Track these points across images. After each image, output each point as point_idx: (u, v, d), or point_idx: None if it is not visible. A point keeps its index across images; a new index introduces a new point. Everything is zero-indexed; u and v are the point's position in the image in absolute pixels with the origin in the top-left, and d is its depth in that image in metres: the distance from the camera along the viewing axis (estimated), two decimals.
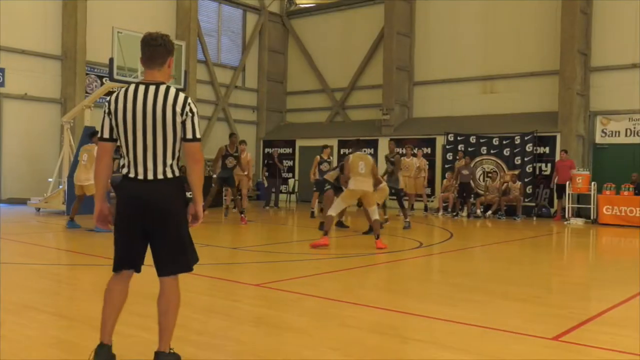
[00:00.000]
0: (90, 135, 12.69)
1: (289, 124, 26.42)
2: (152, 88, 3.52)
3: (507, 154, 19.00)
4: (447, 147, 20.19)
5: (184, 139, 3.52)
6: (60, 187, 15.92)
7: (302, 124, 25.40)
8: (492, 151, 19.42)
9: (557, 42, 18.73)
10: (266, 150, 24.78)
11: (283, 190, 22.18)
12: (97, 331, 4.57)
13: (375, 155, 22.23)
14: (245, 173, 15.73)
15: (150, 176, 3.52)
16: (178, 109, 3.48)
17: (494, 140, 19.43)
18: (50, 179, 16.58)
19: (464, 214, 17.76)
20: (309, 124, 25.12)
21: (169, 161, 3.53)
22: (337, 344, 4.45)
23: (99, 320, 4.94)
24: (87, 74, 19.66)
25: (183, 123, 3.50)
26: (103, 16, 19.31)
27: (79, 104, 16.73)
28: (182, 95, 3.53)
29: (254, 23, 25.73)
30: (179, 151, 3.59)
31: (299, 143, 24.28)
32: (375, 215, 9.82)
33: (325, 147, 16.21)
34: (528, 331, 4.80)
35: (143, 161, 3.50)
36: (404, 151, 18.33)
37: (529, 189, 18.38)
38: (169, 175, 3.55)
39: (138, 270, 3.79)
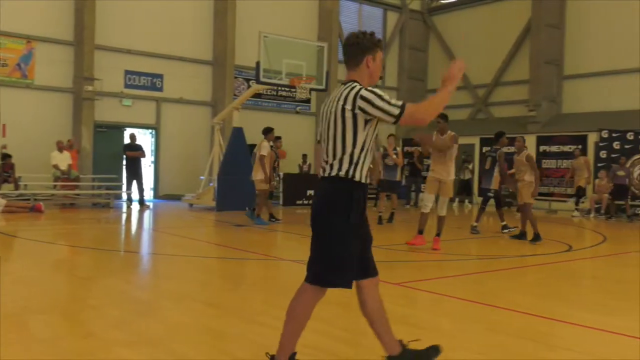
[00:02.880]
0: (263, 131, 13.11)
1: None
2: (341, 87, 3.40)
3: None
4: (601, 144, 18.83)
5: (390, 122, 3.24)
6: (211, 184, 16.90)
7: None
8: None
9: None
10: (405, 148, 24.61)
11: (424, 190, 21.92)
12: (245, 321, 4.80)
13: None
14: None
15: (325, 174, 3.40)
16: (348, 106, 3.26)
17: None
18: (202, 177, 17.66)
19: (624, 216, 16.62)
20: (450, 122, 24.63)
21: (335, 161, 3.33)
22: (481, 347, 4.30)
23: (247, 310, 5.20)
24: (235, 77, 20.70)
25: (355, 117, 3.26)
26: (249, 21, 20.24)
27: (228, 106, 17.65)
28: (354, 90, 3.29)
29: (394, 21, 25.68)
30: (351, 154, 3.30)
31: None
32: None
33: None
34: None
35: (324, 160, 3.42)
36: None
37: None
38: (333, 173, 3.34)
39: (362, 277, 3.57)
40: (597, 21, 20.50)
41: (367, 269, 3.53)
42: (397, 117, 3.20)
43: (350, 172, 3.31)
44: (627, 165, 17.25)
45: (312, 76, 15.76)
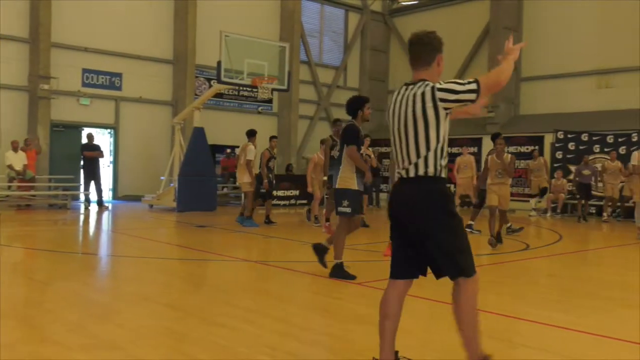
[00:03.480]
0: (247, 134, 12.99)
1: None
2: (410, 87, 3.43)
3: (623, 152, 17.89)
4: (557, 145, 19.29)
5: (472, 101, 3.30)
6: (172, 185, 16.70)
7: None
8: (605, 149, 18.34)
9: None
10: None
11: (384, 190, 22.08)
12: (206, 323, 4.75)
13: (479, 154, 21.62)
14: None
15: (410, 175, 3.40)
16: (428, 103, 3.29)
17: (608, 137, 18.34)
18: (162, 177, 17.43)
19: (580, 215, 16.40)
20: None
21: (419, 160, 3.35)
22: (444, 346, 4.35)
23: (208, 311, 5.16)
24: (196, 77, 20.51)
25: (437, 111, 3.29)
26: (210, 20, 20.05)
27: (189, 106, 17.47)
28: (428, 87, 3.34)
29: (355, 22, 25.80)
30: (435, 150, 3.34)
31: None
32: None
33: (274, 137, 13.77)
34: None
35: (404, 162, 3.43)
36: None
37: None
38: (420, 173, 3.36)
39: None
40: (553, 24, 20.97)
41: (417, 270, 3.61)
42: (477, 92, 3.27)
43: (437, 169, 3.36)
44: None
45: (274, 76, 15.72)
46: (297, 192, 18.56)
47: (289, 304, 5.62)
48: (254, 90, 19.42)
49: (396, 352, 3.63)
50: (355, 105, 7.02)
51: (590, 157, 18.24)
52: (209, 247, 9.72)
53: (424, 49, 3.49)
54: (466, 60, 23.37)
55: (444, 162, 3.38)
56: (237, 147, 20.86)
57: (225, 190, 20.35)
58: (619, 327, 4.97)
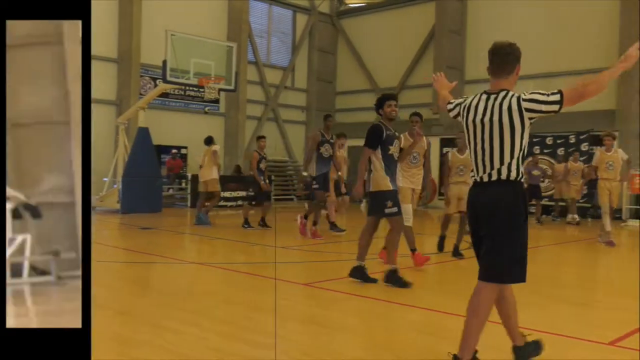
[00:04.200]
0: (206, 141, 13.21)
1: (338, 123, 26.44)
2: (493, 97, 3.58)
3: (562, 153, 18.53)
4: None
5: (556, 111, 3.45)
6: (115, 186, 16.37)
7: (351, 124, 25.38)
8: (545, 151, 18.97)
9: (615, 37, 18.18)
10: None
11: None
12: (152, 326, 4.69)
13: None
14: (339, 173, 12.09)
15: (492, 179, 3.56)
16: (515, 113, 3.47)
17: (547, 139, 18.97)
18: (105, 179, 17.05)
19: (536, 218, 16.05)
20: (358, 124, 25.06)
21: (503, 167, 3.52)
22: (388, 344, 4.42)
23: (154, 315, 5.08)
24: (141, 76, 20.14)
25: (522, 121, 3.47)
26: (156, 19, 19.72)
27: (134, 106, 17.16)
28: (514, 97, 3.52)
29: (303, 23, 25.85)
30: (518, 158, 3.51)
31: (348, 143, 24.25)
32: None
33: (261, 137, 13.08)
34: (585, 336, 4.67)
35: (484, 166, 3.59)
36: None
37: (584, 190, 17.80)
38: (503, 177, 3.52)
39: None
40: (497, 27, 21.48)
41: None
42: (560, 103, 3.41)
43: (520, 175, 3.53)
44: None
45: (221, 76, 15.61)
46: (244, 193, 18.46)
47: (234, 306, 5.60)
48: (201, 90, 19.24)
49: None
50: (377, 104, 6.89)
51: (530, 158, 18.71)
52: (155, 249, 9.57)
53: (506, 59, 3.64)
54: (412, 62, 23.75)
55: (522, 168, 3.55)
56: (184, 147, 20.82)
57: (170, 191, 20.06)
58: (559, 323, 5.15)
